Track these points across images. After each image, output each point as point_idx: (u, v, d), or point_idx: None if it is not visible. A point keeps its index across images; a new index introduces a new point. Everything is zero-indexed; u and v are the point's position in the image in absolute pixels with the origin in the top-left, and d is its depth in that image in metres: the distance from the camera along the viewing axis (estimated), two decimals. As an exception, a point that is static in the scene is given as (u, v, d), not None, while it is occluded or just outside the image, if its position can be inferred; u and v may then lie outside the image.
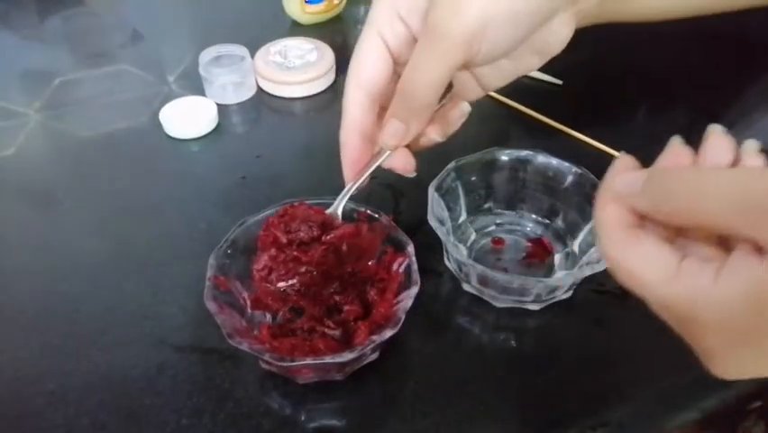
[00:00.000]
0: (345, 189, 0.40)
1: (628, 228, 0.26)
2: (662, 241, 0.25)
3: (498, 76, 0.37)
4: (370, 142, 0.38)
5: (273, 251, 0.40)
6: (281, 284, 0.40)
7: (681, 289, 0.24)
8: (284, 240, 0.40)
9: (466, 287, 0.44)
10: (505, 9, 0.32)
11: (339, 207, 0.41)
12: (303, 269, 0.40)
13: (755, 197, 0.22)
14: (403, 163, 0.38)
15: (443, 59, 0.32)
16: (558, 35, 0.36)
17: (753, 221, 0.22)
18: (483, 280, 0.42)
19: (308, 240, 0.40)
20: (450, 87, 0.36)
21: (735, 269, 0.23)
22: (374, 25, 0.36)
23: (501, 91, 0.59)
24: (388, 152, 0.37)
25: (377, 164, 0.38)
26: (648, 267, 0.25)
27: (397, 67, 0.37)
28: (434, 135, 0.38)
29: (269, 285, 0.40)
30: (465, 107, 0.39)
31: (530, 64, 0.37)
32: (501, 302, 0.43)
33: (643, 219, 0.26)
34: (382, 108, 0.38)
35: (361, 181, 0.39)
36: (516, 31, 0.33)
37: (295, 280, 0.40)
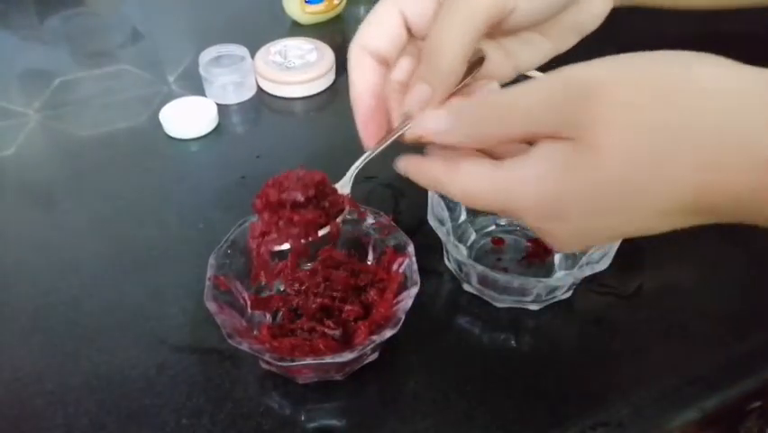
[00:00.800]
0: (364, 156, 0.37)
1: (446, 164, 0.29)
2: (476, 155, 0.29)
3: (532, 53, 0.36)
4: (383, 105, 0.36)
5: (266, 215, 0.38)
6: (276, 248, 0.37)
7: (501, 185, 0.28)
8: (277, 199, 0.38)
9: (466, 287, 0.44)
10: None
11: (352, 175, 0.38)
12: (296, 231, 0.37)
13: (560, 91, 0.25)
14: (434, 122, 0.35)
15: (470, 15, 0.31)
16: (595, 8, 0.35)
17: (566, 110, 0.25)
18: (483, 281, 0.42)
19: (304, 201, 0.38)
20: (479, 64, 0.35)
21: (537, 152, 0.27)
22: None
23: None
24: (407, 125, 0.34)
25: (399, 133, 0.35)
26: (477, 184, 0.28)
27: (416, 41, 0.36)
28: None
29: (263, 252, 0.37)
30: (493, 86, 0.37)
31: (565, 41, 0.36)
32: (501, 302, 0.43)
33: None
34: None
35: (381, 148, 0.36)
36: (551, 4, 0.32)
37: (289, 245, 0.37)
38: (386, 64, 0.36)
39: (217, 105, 0.59)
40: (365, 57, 0.36)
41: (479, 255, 0.46)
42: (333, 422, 0.37)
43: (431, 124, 0.30)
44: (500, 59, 0.36)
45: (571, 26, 0.35)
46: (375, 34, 0.35)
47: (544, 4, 0.33)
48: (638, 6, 0.41)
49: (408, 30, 0.35)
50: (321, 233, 0.37)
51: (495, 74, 0.37)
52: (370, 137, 0.36)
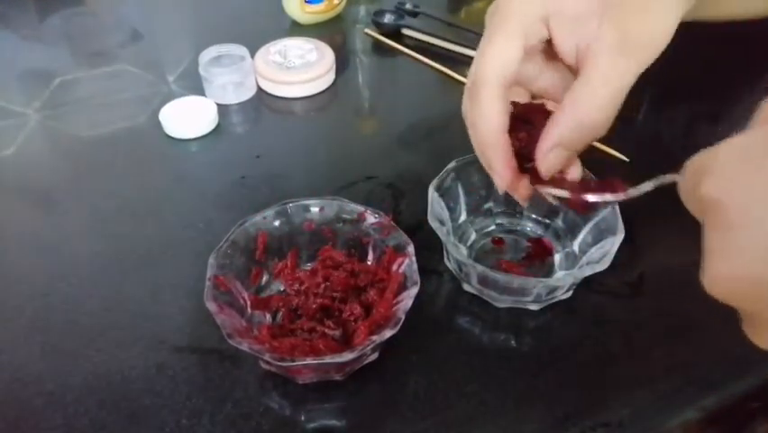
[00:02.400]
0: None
1: None
2: None
3: None
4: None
5: None
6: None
7: None
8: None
9: (466, 287, 0.44)
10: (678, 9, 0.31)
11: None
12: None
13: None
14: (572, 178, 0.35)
15: (629, 73, 0.30)
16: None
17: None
18: (483, 281, 0.42)
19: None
20: None
21: None
22: (521, 21, 0.32)
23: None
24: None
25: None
26: None
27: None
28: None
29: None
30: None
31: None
32: (501, 302, 0.43)
33: None
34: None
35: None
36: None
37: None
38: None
39: (217, 105, 0.59)
40: (501, 90, 0.33)
41: (479, 255, 0.46)
42: (333, 422, 0.37)
43: None
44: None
45: None
46: (511, 61, 0.32)
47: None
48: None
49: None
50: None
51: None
52: (509, 178, 0.34)
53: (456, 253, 0.41)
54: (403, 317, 0.36)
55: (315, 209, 0.43)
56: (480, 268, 0.40)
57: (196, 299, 0.38)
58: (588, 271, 0.39)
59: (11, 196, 0.53)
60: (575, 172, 0.36)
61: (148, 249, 0.47)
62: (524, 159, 0.35)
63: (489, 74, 0.32)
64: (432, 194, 0.43)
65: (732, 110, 0.60)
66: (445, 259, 0.45)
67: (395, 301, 0.38)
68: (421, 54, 0.68)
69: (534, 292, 0.41)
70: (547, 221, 0.47)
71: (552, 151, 0.32)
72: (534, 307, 0.43)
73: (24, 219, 0.51)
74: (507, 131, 0.34)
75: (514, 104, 0.36)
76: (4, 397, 0.38)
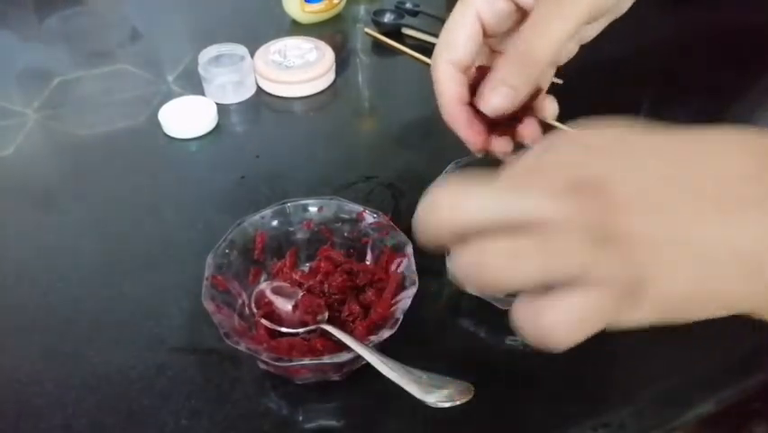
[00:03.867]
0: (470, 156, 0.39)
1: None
2: None
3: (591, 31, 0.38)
4: (473, 110, 0.38)
5: None
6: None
7: None
8: None
9: (468, 289, 0.44)
10: None
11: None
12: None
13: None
14: (531, 132, 0.37)
15: (571, 18, 0.32)
16: None
17: None
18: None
19: None
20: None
21: None
22: (471, 4, 0.36)
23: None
24: None
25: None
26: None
27: (487, 39, 0.38)
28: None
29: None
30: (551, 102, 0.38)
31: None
32: (505, 304, 0.43)
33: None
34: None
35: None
36: None
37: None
38: (466, 69, 0.37)
39: (217, 104, 0.59)
40: (449, 67, 0.37)
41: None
42: (332, 423, 0.37)
43: None
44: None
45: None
46: (457, 43, 0.36)
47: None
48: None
49: (484, 31, 0.36)
50: None
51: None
52: (477, 140, 0.37)
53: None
54: (401, 318, 0.36)
55: (313, 209, 0.43)
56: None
57: (195, 299, 0.38)
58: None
59: (10, 196, 0.53)
60: (550, 107, 0.38)
61: (147, 249, 0.47)
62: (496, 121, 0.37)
63: (437, 55, 0.37)
64: (431, 194, 0.43)
65: (732, 110, 0.60)
66: (447, 261, 0.45)
67: (393, 301, 0.38)
68: (421, 53, 0.68)
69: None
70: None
71: (495, 89, 0.34)
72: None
73: (24, 219, 0.51)
74: (469, 98, 0.37)
75: (480, 68, 0.38)
76: (4, 397, 0.38)
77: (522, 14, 0.36)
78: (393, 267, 0.40)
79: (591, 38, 0.39)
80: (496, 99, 0.35)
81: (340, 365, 0.37)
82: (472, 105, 0.37)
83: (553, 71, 0.40)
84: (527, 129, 0.37)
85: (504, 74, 0.34)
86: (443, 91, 0.37)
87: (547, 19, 0.32)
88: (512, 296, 0.43)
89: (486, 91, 0.35)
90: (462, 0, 0.37)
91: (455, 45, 0.36)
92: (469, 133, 0.37)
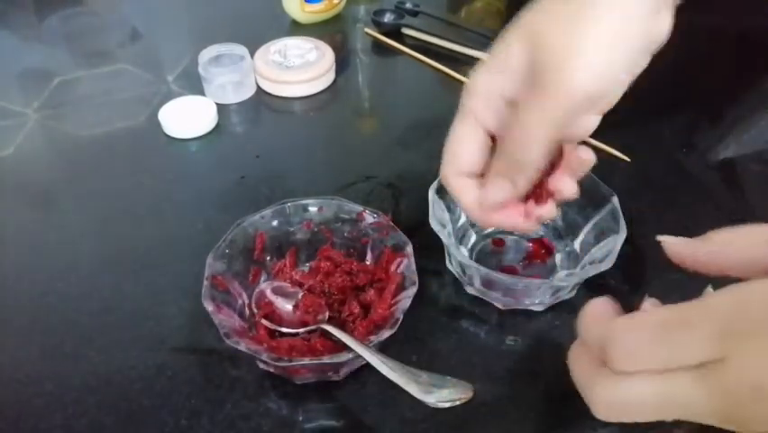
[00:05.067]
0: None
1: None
2: None
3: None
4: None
5: None
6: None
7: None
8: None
9: (469, 289, 0.44)
10: (623, 57, 0.30)
11: None
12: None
13: None
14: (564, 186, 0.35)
15: (553, 116, 0.30)
16: (663, 30, 0.33)
17: None
18: (487, 283, 0.42)
19: None
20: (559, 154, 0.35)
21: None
22: (470, 113, 0.35)
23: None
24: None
25: None
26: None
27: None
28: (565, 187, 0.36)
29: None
30: (584, 153, 0.35)
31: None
32: (505, 304, 0.43)
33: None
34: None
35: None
36: (634, 69, 0.31)
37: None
38: (478, 175, 0.36)
39: (217, 104, 0.59)
40: (459, 179, 0.36)
41: (479, 257, 0.46)
42: (332, 423, 0.37)
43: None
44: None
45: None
46: (462, 156, 0.35)
47: (623, 85, 0.32)
48: None
49: (490, 133, 0.35)
50: None
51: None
52: (518, 222, 0.36)
53: (459, 256, 0.40)
54: (401, 318, 0.36)
55: (313, 209, 0.43)
56: (483, 270, 0.40)
57: (195, 300, 0.38)
58: (592, 271, 0.39)
59: (10, 196, 0.53)
60: (587, 154, 0.35)
61: (147, 249, 0.47)
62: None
63: (444, 166, 0.36)
64: (432, 197, 0.43)
65: (732, 110, 0.60)
66: (447, 261, 0.45)
67: (393, 301, 0.38)
68: (421, 54, 0.68)
69: (539, 294, 0.41)
70: (547, 220, 0.47)
71: (494, 183, 0.34)
72: (537, 307, 0.42)
73: (23, 219, 0.51)
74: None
75: None
76: (4, 397, 0.38)
77: None
78: (393, 267, 0.40)
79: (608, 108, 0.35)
80: (494, 192, 0.34)
81: (340, 365, 0.37)
82: None
83: (592, 120, 0.35)
84: (559, 183, 0.35)
85: (499, 167, 0.34)
86: (463, 202, 0.36)
87: (529, 112, 0.31)
88: (514, 297, 0.43)
89: (486, 186, 0.34)
90: (462, 106, 0.35)
91: (460, 158, 0.36)
92: (508, 221, 0.36)
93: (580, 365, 0.27)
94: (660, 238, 0.29)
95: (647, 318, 0.24)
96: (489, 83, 0.33)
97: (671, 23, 0.32)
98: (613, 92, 0.32)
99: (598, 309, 0.27)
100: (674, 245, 0.28)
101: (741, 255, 0.26)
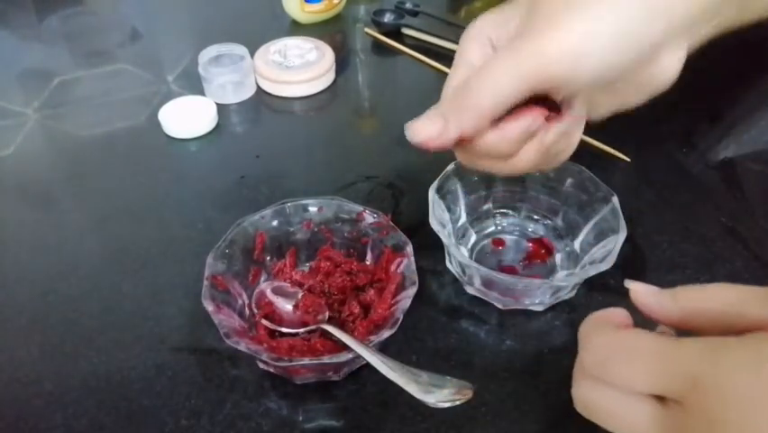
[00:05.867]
0: None
1: None
2: None
3: (599, 105, 0.34)
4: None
5: None
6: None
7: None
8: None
9: (469, 289, 0.44)
10: (609, 31, 0.28)
11: None
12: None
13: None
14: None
15: (517, 77, 0.29)
16: (667, 70, 0.32)
17: None
18: (488, 283, 0.42)
19: None
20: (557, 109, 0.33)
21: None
22: (464, 55, 0.35)
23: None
24: None
25: None
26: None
27: None
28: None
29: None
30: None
31: (628, 101, 0.33)
32: (505, 304, 0.43)
33: None
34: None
35: None
36: (622, 57, 0.29)
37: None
38: None
39: (217, 104, 0.59)
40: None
41: (479, 257, 0.46)
42: (332, 423, 0.37)
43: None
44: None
45: (640, 87, 0.33)
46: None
47: (610, 70, 0.29)
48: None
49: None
50: None
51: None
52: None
53: (459, 256, 0.40)
54: (401, 318, 0.36)
55: (313, 209, 0.43)
56: (483, 270, 0.40)
57: (195, 299, 0.38)
58: (592, 271, 0.39)
59: (10, 196, 0.53)
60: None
61: (147, 249, 0.47)
62: None
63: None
64: (432, 197, 0.43)
65: (732, 110, 0.60)
66: (447, 261, 0.45)
67: (393, 301, 0.38)
68: (421, 54, 0.68)
69: (539, 294, 0.41)
70: (547, 220, 0.47)
71: (429, 117, 0.33)
72: (537, 307, 0.42)
73: (23, 219, 0.51)
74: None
75: None
76: (3, 397, 0.38)
77: None
78: (393, 267, 0.40)
79: (631, 107, 0.34)
80: (423, 124, 0.33)
81: (340, 365, 0.37)
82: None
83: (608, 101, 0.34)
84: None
85: (445, 106, 0.33)
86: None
87: (495, 64, 0.29)
88: (514, 297, 0.43)
89: (419, 117, 0.33)
90: (457, 53, 0.35)
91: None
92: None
93: (578, 361, 0.27)
94: (627, 284, 0.28)
95: (626, 337, 0.25)
96: (484, 29, 0.34)
97: (676, 69, 0.32)
98: (605, 67, 0.29)
99: (607, 317, 0.28)
100: (642, 295, 0.28)
101: (715, 317, 0.25)
